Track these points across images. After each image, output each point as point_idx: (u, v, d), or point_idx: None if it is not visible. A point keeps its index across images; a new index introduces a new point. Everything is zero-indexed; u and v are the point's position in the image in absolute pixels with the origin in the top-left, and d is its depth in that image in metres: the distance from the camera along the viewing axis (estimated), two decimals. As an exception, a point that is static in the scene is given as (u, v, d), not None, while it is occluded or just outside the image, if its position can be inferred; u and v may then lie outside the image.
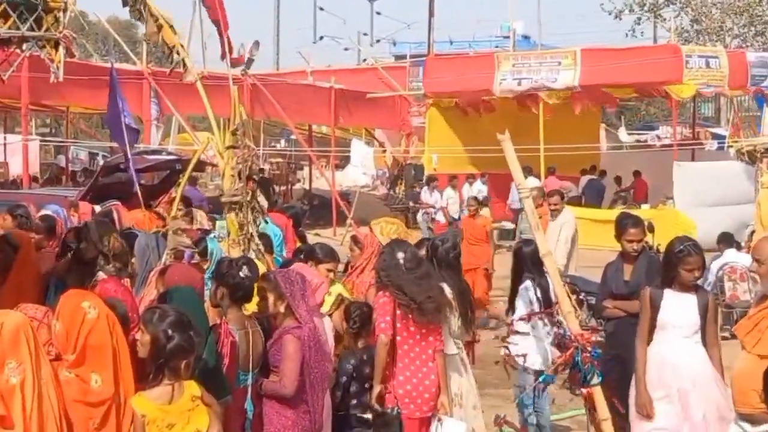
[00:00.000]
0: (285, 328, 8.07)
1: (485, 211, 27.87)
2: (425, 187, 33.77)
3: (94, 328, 6.87)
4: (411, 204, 36.22)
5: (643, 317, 9.45)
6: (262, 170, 45.48)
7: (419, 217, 33.20)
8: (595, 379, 9.83)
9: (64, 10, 7.83)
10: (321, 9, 72.23)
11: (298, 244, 13.91)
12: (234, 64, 11.01)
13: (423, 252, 10.03)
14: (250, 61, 29.10)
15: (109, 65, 24.41)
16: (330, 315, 9.73)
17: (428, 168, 37.30)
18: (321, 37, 72.62)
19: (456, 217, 30.88)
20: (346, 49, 70.08)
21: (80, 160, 45.10)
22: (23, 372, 6.42)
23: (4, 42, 7.86)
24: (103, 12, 24.31)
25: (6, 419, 6.30)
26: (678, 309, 9.24)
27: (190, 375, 6.87)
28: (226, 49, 11.04)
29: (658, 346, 9.34)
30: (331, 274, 10.39)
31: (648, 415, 9.14)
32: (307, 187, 44.36)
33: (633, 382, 9.46)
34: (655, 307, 9.29)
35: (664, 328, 9.29)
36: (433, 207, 32.25)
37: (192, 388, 6.84)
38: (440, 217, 31.79)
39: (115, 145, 20.48)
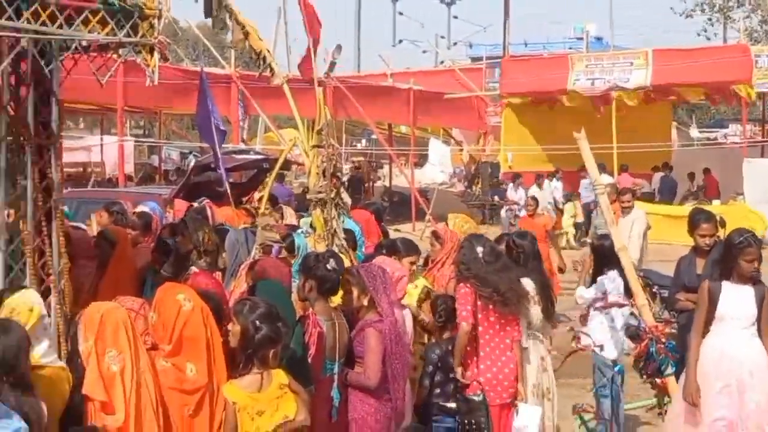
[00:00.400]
0: (367, 321, 8.12)
1: (568, 207, 27.77)
2: (510, 185, 33.67)
3: (189, 320, 6.96)
4: (496, 200, 36.10)
5: (701, 309, 9.34)
6: (358, 168, 45.85)
7: (502, 213, 33.09)
8: (669, 370, 9.82)
9: (159, 17, 7.90)
10: (400, 14, 72.67)
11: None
12: (312, 70, 11.02)
13: (503, 247, 9.99)
14: (333, 64, 29.09)
15: (199, 69, 24.59)
16: (419, 306, 9.79)
17: (504, 166, 37.31)
18: (400, 41, 73.04)
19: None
20: (424, 52, 70.14)
21: (172, 160, 45.56)
22: (123, 360, 6.52)
23: (102, 48, 7.96)
24: (193, 18, 24.24)
25: (107, 405, 6.40)
26: (736, 301, 9.13)
27: (278, 364, 6.94)
28: (313, 65, 11.17)
29: (716, 337, 9.23)
30: (414, 267, 10.41)
31: (693, 404, 9.00)
32: (387, 184, 44.36)
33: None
34: (713, 300, 9.18)
35: (722, 320, 9.18)
36: (517, 204, 32.11)
37: (280, 376, 6.91)
38: (523, 214, 31.68)
39: (205, 145, 20.61)
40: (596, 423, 11.29)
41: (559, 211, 31.36)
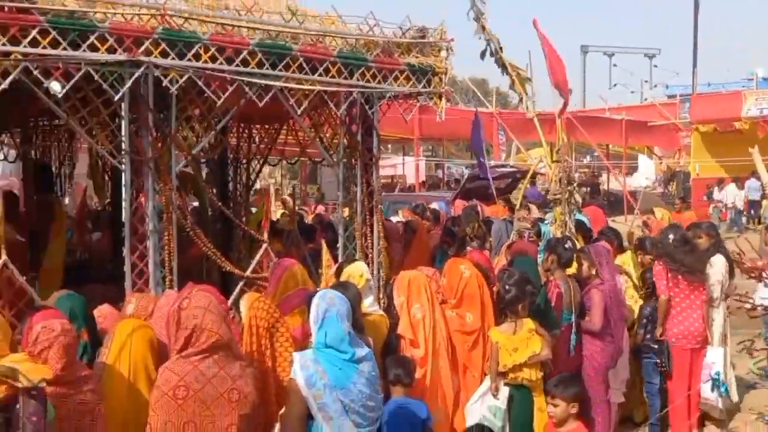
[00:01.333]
0: (592, 284, 8.06)
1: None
2: (715, 187, 32.23)
3: (468, 283, 7.06)
4: (704, 199, 34.82)
5: None
6: (595, 176, 45.35)
7: (710, 209, 31.62)
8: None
9: (445, 74, 8.06)
10: (615, 65, 71.02)
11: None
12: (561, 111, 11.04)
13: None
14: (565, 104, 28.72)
15: (471, 109, 24.95)
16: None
17: (693, 174, 35.96)
18: (615, 84, 71.47)
19: (740, 208, 30.22)
20: (632, 92, 68.24)
21: (452, 173, 45.79)
22: (424, 311, 6.68)
23: (406, 96, 8.13)
24: (466, 73, 24.93)
25: (414, 342, 6.58)
26: None
27: (527, 314, 6.95)
28: (565, 107, 11.11)
29: None
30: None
31: None
32: (605, 188, 43.47)
33: None
34: None
35: None
36: (721, 201, 30.96)
37: (529, 323, 6.92)
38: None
39: (474, 162, 20.80)
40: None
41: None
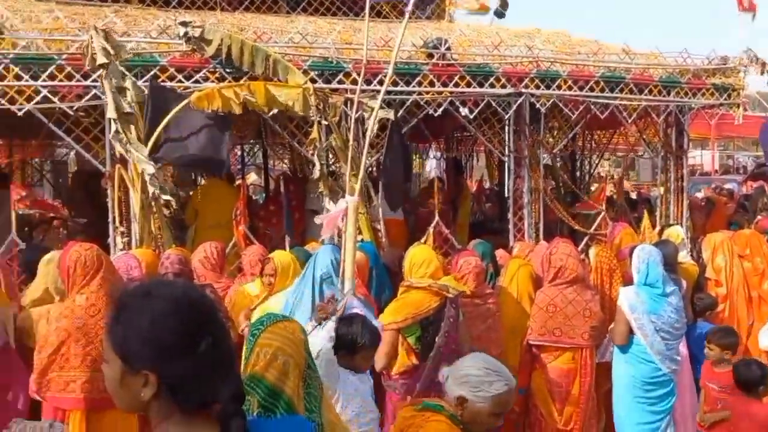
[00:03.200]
0: None
1: None
2: None
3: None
4: None
5: None
6: None
7: None
8: None
9: (742, 89, 7.22)
10: None
11: None
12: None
13: None
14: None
15: (760, 115, 21.44)
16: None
17: None
18: None
19: None
20: None
21: (739, 162, 40.29)
22: (725, 261, 5.85)
23: (711, 106, 7.31)
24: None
25: (718, 282, 5.70)
26: None
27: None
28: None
29: None
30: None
31: None
32: None
33: None
34: None
35: None
36: None
37: None
38: None
39: (760, 153, 17.93)
40: None
41: None
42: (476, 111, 6.17)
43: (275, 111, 5.43)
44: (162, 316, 1.33)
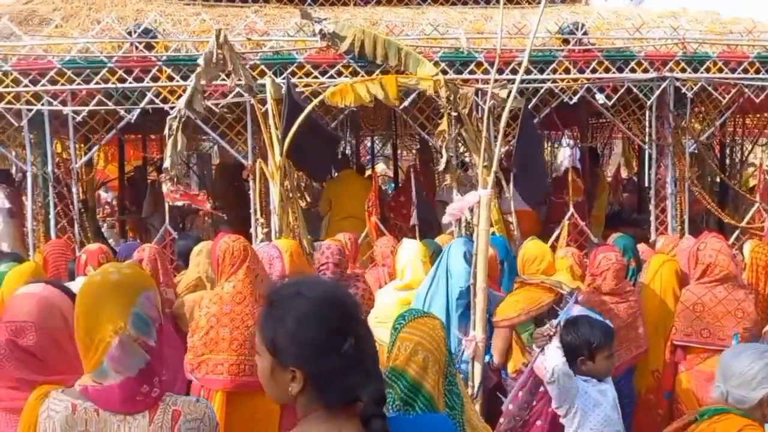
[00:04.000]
0: None
1: None
2: None
3: None
4: None
5: None
6: None
7: None
8: None
9: None
10: None
11: None
12: None
13: None
14: None
15: None
16: None
17: None
18: None
19: None
20: None
21: None
22: None
23: None
24: None
25: None
26: None
27: None
28: None
29: None
30: None
31: None
32: None
33: None
34: None
35: None
36: None
37: None
38: None
39: None
40: None
41: None
42: (615, 98, 5.87)
43: (406, 103, 5.46)
44: (308, 316, 1.39)
